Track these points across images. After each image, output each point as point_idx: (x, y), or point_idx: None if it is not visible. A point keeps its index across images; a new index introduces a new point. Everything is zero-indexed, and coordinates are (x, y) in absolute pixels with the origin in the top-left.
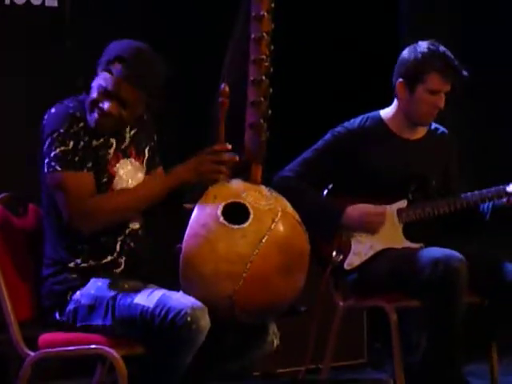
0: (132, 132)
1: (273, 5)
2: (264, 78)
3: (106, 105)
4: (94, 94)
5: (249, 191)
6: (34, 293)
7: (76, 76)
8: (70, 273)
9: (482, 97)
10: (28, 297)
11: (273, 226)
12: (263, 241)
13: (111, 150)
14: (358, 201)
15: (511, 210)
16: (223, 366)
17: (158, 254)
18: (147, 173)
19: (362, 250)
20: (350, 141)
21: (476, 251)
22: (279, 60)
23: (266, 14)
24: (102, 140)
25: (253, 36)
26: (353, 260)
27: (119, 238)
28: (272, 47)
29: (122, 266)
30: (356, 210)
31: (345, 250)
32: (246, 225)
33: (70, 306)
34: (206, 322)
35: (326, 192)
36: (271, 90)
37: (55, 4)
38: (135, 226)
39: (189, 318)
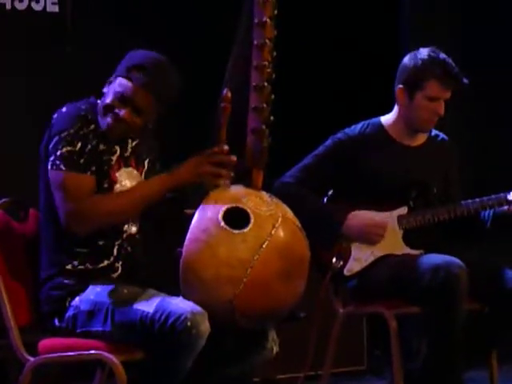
0: (134, 143)
1: (276, 11)
2: (266, 84)
3: (121, 111)
4: (110, 99)
5: (250, 196)
6: (34, 298)
7: (76, 81)
8: (66, 276)
9: (482, 97)
10: (28, 302)
11: (273, 232)
12: (264, 246)
13: (114, 157)
14: (358, 207)
15: None
16: (223, 370)
17: (158, 259)
18: None
19: (362, 256)
20: (350, 147)
21: (476, 258)
22: (280, 65)
23: (268, 20)
24: (108, 145)
25: (255, 42)
26: (353, 266)
27: (116, 243)
28: (274, 53)
29: (119, 271)
30: (356, 221)
31: (345, 256)
32: (246, 230)
33: (69, 313)
34: (205, 326)
35: (326, 198)
36: (273, 96)
37: (56, 10)
38: (132, 230)
39: (189, 323)
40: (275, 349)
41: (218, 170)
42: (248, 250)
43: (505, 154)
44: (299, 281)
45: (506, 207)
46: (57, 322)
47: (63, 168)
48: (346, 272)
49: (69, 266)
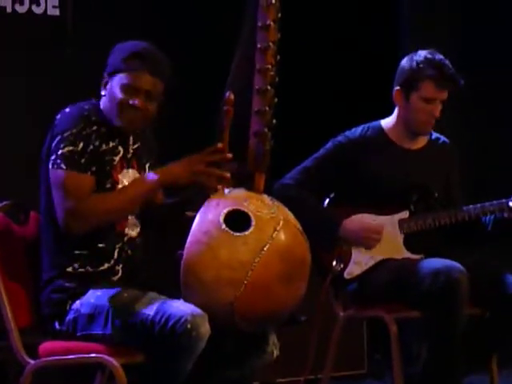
0: (135, 146)
1: (279, 15)
2: (269, 87)
3: (135, 101)
4: (120, 95)
5: (251, 199)
6: (34, 300)
7: (77, 84)
8: (67, 279)
9: (481, 98)
10: (28, 304)
11: (274, 235)
12: (265, 249)
13: (117, 158)
14: (359, 211)
15: None
16: (223, 373)
17: (159, 261)
18: None
19: (362, 259)
20: (350, 150)
21: (477, 263)
22: (281, 68)
23: (272, 23)
24: (111, 145)
25: (259, 45)
26: (353, 269)
27: (117, 245)
28: (278, 57)
29: (120, 274)
30: (353, 224)
31: (345, 260)
32: (247, 232)
33: (70, 316)
34: (206, 329)
35: (327, 201)
36: (276, 100)
37: (57, 13)
38: (133, 233)
39: (189, 325)
40: (276, 352)
41: (211, 170)
42: (249, 252)
43: (505, 155)
44: (300, 284)
45: (505, 214)
46: (57, 325)
47: (64, 167)
48: (346, 275)
49: (69, 269)
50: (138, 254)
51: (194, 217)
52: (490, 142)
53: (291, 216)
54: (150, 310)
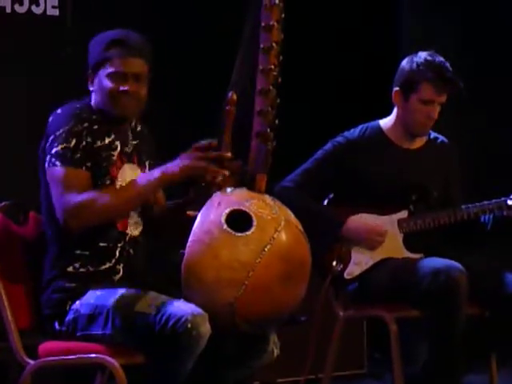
0: (134, 142)
1: (283, 15)
2: (272, 87)
3: (125, 86)
4: (109, 84)
5: (253, 200)
6: (34, 301)
7: (76, 83)
8: (68, 279)
9: (481, 98)
10: (28, 305)
11: (275, 235)
12: (266, 249)
13: (115, 153)
14: (358, 211)
15: None
16: (223, 373)
17: (160, 261)
18: None
19: (362, 259)
20: (349, 150)
21: (477, 262)
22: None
23: (275, 23)
24: (107, 141)
25: (262, 46)
26: (353, 270)
27: (119, 245)
28: (281, 57)
29: (121, 273)
30: (356, 224)
31: (345, 260)
32: (249, 233)
33: (70, 316)
34: (206, 328)
35: (326, 201)
36: (279, 100)
37: (56, 13)
38: (135, 232)
39: (189, 325)
40: (276, 351)
41: (208, 165)
42: (250, 253)
43: (503, 154)
44: (300, 284)
45: (505, 212)
46: (57, 326)
47: (58, 164)
48: (346, 275)
49: (70, 269)
50: (139, 253)
51: (195, 216)
52: (489, 142)
53: (292, 216)
54: (151, 310)
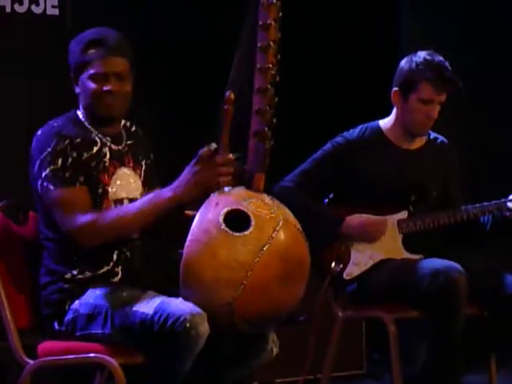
0: (129, 142)
1: (280, 14)
2: (270, 86)
3: (108, 86)
4: (92, 85)
5: (251, 199)
6: (34, 301)
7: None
8: (66, 283)
9: (481, 98)
10: (27, 305)
11: (274, 235)
12: (264, 249)
13: (106, 159)
14: (357, 211)
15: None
16: (222, 373)
17: (158, 261)
18: (146, 189)
19: (361, 260)
20: (349, 151)
21: (476, 262)
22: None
23: (273, 22)
24: (94, 151)
25: (259, 45)
26: (352, 270)
27: (116, 248)
28: (279, 56)
29: (120, 275)
30: (355, 219)
31: (344, 260)
32: (247, 232)
33: (69, 316)
34: (204, 328)
35: (326, 202)
36: (276, 99)
37: (56, 13)
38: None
39: (188, 324)
40: (275, 350)
41: (218, 171)
42: (248, 252)
43: (503, 155)
44: (299, 284)
45: (505, 213)
46: (56, 326)
47: (52, 188)
48: (345, 276)
49: (68, 275)
50: (137, 256)
51: (193, 216)
52: (489, 142)
53: (291, 216)
54: (149, 309)
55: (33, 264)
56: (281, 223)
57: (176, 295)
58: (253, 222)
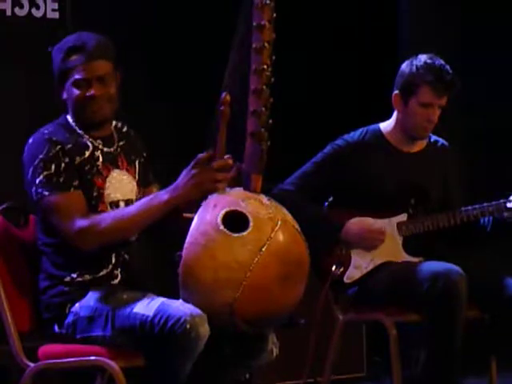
0: (121, 143)
1: (274, 14)
2: (265, 87)
3: (91, 91)
4: (76, 92)
5: (249, 200)
6: (34, 304)
7: None
8: (66, 286)
9: (481, 99)
10: (28, 308)
11: (272, 235)
12: (263, 249)
13: (99, 162)
14: (357, 214)
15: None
16: (222, 374)
17: (158, 263)
18: (141, 188)
19: (362, 263)
20: (349, 154)
21: (476, 265)
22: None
23: (267, 23)
24: (86, 155)
25: (254, 45)
26: (353, 273)
27: (114, 251)
28: (273, 57)
29: (119, 278)
30: (356, 225)
31: (345, 264)
32: (245, 233)
33: (69, 319)
34: (205, 329)
35: (326, 204)
36: (272, 100)
37: (56, 16)
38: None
39: (188, 326)
40: (275, 351)
41: (216, 176)
42: (247, 253)
43: (504, 157)
44: (298, 284)
45: (505, 214)
46: (56, 329)
47: (46, 194)
48: (346, 279)
49: (67, 279)
50: (135, 258)
51: (192, 218)
52: (489, 143)
53: (289, 216)
54: (150, 311)
55: (33, 267)
56: (279, 223)
57: (175, 297)
58: (251, 223)
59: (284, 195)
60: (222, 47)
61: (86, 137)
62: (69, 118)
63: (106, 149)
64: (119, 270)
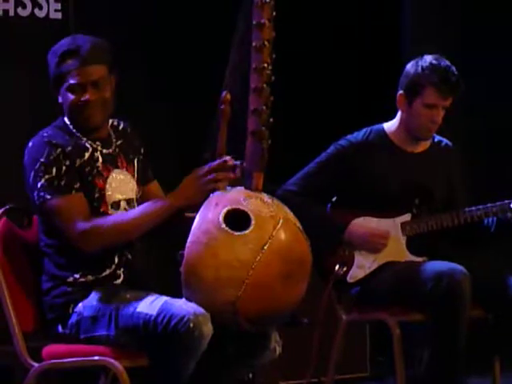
0: (118, 142)
1: (274, 13)
2: (265, 86)
3: (86, 96)
4: (71, 97)
5: (250, 198)
6: (38, 304)
7: None
8: (69, 286)
9: (481, 99)
10: (32, 308)
11: (274, 233)
12: (265, 247)
13: (99, 163)
14: (361, 214)
15: None
16: (225, 372)
17: (160, 263)
18: (141, 186)
19: (365, 263)
20: (353, 154)
21: (480, 265)
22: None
23: (267, 22)
24: (86, 157)
25: (254, 44)
26: (356, 273)
27: (117, 251)
28: (274, 55)
29: (122, 277)
30: (359, 227)
31: (348, 263)
32: (247, 231)
33: (73, 319)
34: (208, 328)
35: (330, 205)
36: (272, 98)
37: (59, 17)
38: None
39: (191, 325)
40: (278, 350)
41: (216, 176)
42: (249, 251)
43: (506, 157)
44: (301, 282)
45: (509, 215)
46: (60, 329)
47: (48, 197)
48: (349, 279)
49: (70, 279)
50: (138, 258)
51: (193, 217)
52: (489, 143)
53: (291, 214)
54: (153, 310)
55: (37, 267)
56: (281, 222)
57: (178, 296)
58: (253, 221)
59: (287, 196)
60: (221, 46)
61: (85, 139)
62: (66, 120)
63: (105, 150)
64: (122, 269)
